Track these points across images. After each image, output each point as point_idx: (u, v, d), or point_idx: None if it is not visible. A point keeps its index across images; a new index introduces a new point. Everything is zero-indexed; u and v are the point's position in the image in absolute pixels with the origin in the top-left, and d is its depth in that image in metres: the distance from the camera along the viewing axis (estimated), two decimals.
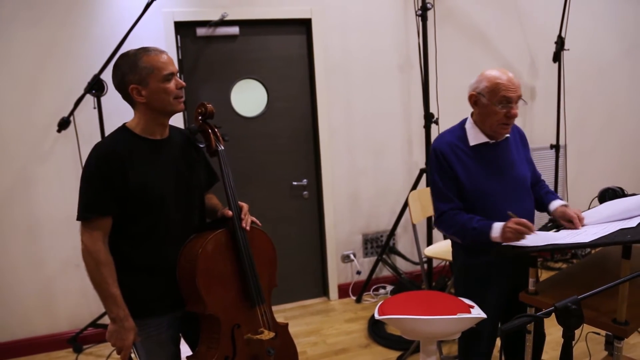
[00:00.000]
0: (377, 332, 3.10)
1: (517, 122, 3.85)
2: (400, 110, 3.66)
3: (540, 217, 1.95)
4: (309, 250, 3.71)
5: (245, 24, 3.32)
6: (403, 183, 3.71)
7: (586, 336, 2.33)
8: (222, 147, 1.79)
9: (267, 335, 1.73)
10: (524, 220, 1.70)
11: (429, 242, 3.30)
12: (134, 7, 2.97)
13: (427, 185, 3.06)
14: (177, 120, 3.04)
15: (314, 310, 3.58)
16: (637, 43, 4.24)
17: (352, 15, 3.47)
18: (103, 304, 1.56)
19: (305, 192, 3.61)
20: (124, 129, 1.64)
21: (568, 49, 3.79)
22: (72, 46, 2.99)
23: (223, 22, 3.23)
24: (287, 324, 1.89)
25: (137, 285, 1.61)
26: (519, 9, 3.84)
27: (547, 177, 3.75)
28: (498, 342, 2.23)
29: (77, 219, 1.56)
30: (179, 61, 3.20)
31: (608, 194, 2.05)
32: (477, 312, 1.73)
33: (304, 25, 3.45)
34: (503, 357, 2.16)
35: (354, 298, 3.68)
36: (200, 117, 1.80)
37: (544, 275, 2.30)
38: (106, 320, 1.59)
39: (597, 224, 1.74)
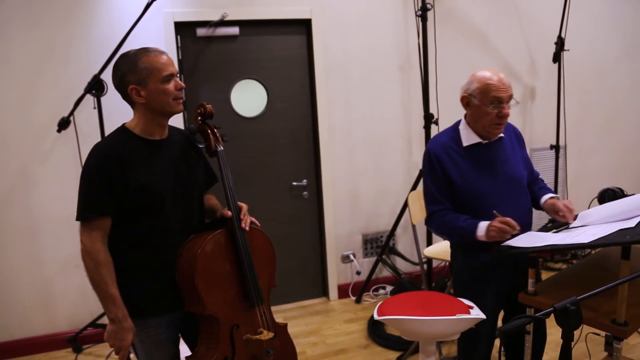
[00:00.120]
0: (376, 332, 3.10)
1: (517, 122, 3.90)
2: (400, 110, 3.66)
3: (540, 218, 1.95)
4: (308, 251, 3.71)
5: (245, 24, 3.32)
6: (403, 183, 3.71)
7: (586, 337, 2.33)
8: (222, 148, 1.79)
9: (266, 335, 1.73)
10: (508, 219, 1.73)
11: (429, 242, 3.30)
12: (134, 7, 2.97)
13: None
14: (176, 121, 3.04)
15: (313, 310, 3.58)
16: (637, 43, 4.24)
17: (352, 16, 3.47)
18: (102, 304, 1.56)
19: (305, 193, 3.61)
20: (123, 129, 1.64)
21: (568, 50, 3.79)
22: (72, 46, 2.99)
23: (223, 23, 3.23)
24: (286, 324, 1.89)
25: (136, 286, 1.61)
26: (518, 10, 3.84)
27: (547, 178, 3.75)
28: (497, 342, 2.22)
29: (77, 219, 1.56)
30: (179, 61, 3.20)
31: (607, 195, 2.04)
32: (476, 313, 1.73)
33: (304, 26, 3.45)
34: (503, 358, 2.16)
35: (354, 298, 3.68)
36: (199, 118, 1.80)
37: (544, 275, 2.30)
38: (106, 320, 1.59)
39: (596, 224, 1.74)
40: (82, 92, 2.76)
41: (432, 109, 3.33)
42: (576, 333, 1.16)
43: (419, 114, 3.43)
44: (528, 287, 1.74)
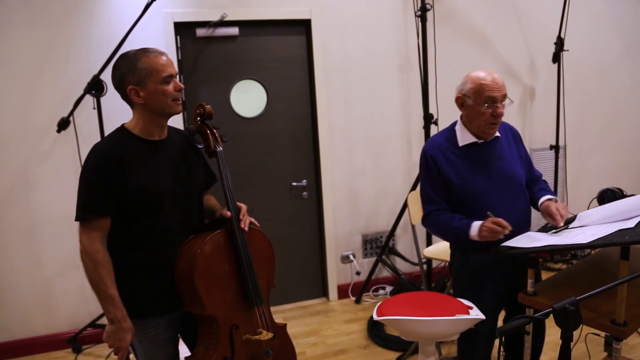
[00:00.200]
0: (376, 332, 3.10)
1: (517, 122, 3.90)
2: (399, 110, 3.66)
3: (540, 217, 1.95)
4: (308, 251, 3.71)
5: (244, 25, 3.32)
6: (402, 184, 3.71)
7: (586, 337, 2.33)
8: (221, 148, 1.79)
9: (265, 335, 1.73)
10: (500, 220, 1.74)
11: (429, 242, 3.30)
12: (133, 8, 2.97)
13: None
14: (176, 121, 3.04)
15: (313, 310, 3.58)
16: (637, 43, 4.24)
17: (352, 16, 3.47)
18: (101, 305, 1.56)
19: (304, 193, 3.61)
20: (122, 129, 1.65)
21: (567, 50, 3.78)
22: (71, 46, 2.99)
23: (223, 23, 3.23)
24: (285, 325, 1.90)
25: (135, 286, 1.61)
26: (518, 10, 3.84)
27: (547, 178, 3.71)
28: (497, 342, 2.22)
29: (76, 220, 1.55)
30: (179, 62, 3.20)
31: (607, 195, 2.05)
32: (476, 313, 1.73)
33: (304, 26, 3.45)
34: (502, 358, 2.16)
35: (354, 299, 3.68)
36: (198, 118, 1.80)
37: (544, 276, 2.30)
38: (105, 320, 1.59)
39: (596, 224, 1.74)
40: (81, 92, 2.76)
41: (432, 109, 3.34)
42: (576, 333, 1.15)
43: (419, 114, 3.43)
44: (527, 288, 1.74)
